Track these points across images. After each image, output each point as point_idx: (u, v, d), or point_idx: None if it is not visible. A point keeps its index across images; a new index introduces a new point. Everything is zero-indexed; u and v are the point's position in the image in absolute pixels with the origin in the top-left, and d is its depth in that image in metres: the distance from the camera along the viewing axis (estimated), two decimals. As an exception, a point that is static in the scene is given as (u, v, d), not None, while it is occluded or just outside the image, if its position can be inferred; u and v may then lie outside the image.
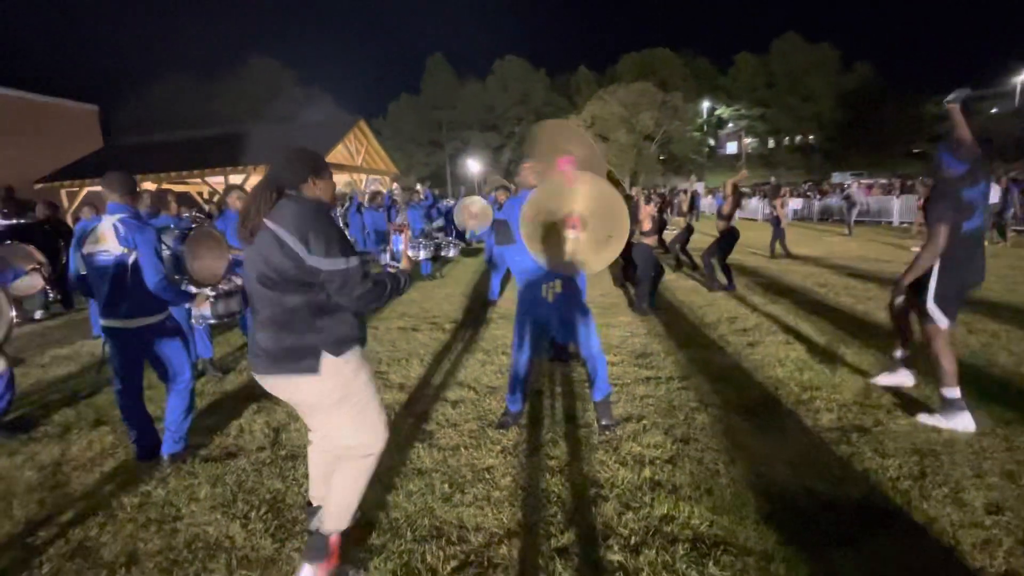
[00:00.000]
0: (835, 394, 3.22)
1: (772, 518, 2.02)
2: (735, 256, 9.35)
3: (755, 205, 22.45)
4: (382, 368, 4.11)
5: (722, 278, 6.62)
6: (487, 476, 2.41)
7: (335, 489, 1.75)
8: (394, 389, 3.62)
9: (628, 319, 5.32)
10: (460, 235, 10.39)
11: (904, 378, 3.27)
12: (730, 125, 55.20)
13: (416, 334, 5.13)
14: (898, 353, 3.31)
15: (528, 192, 2.60)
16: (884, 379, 3.32)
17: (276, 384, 1.66)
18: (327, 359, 1.61)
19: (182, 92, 42.74)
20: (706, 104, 48.91)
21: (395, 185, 15.56)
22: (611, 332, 4.82)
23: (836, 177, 38.09)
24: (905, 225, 15.37)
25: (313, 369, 1.60)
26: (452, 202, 10.99)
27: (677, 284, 7.23)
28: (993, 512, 2.01)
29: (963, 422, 2.67)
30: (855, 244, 11.43)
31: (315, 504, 1.94)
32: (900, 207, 16.01)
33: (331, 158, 15.80)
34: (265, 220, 1.54)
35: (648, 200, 6.26)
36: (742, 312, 5.43)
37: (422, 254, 7.44)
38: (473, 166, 44.57)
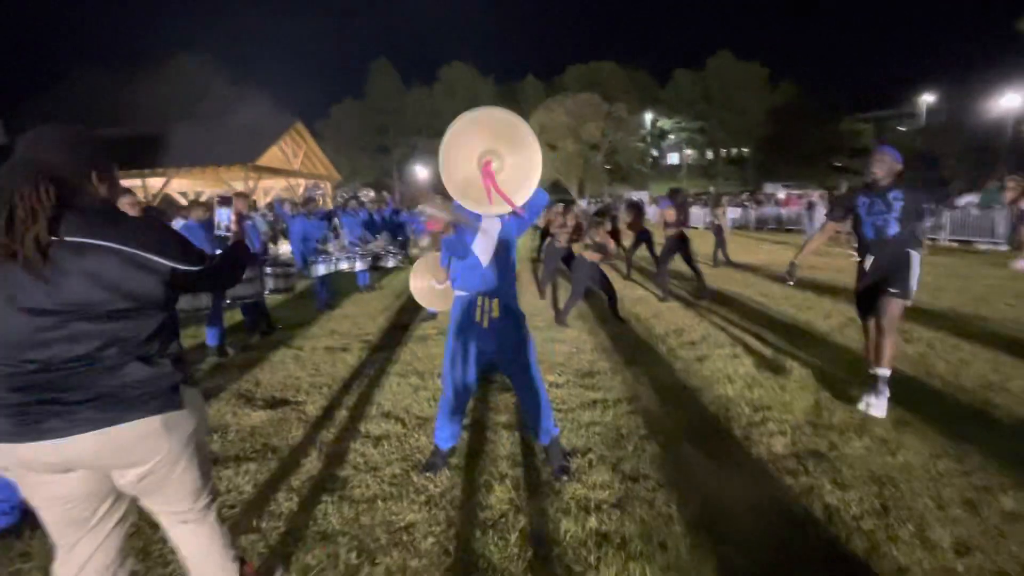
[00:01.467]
0: (786, 414, 3.06)
1: (734, 576, 1.76)
2: (677, 265, 9.45)
3: (696, 213, 23.19)
4: (299, 398, 3.61)
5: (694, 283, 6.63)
6: (405, 538, 2.02)
7: (204, 552, 1.45)
8: (308, 424, 3.14)
9: (575, 333, 5.07)
10: (404, 245, 9.91)
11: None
12: (671, 137, 57.40)
13: (345, 355, 4.64)
14: (882, 370, 3.09)
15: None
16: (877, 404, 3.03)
17: (101, 444, 1.17)
18: (187, 393, 1.32)
19: (99, 88, 39.31)
20: (648, 116, 50.61)
21: (369, 192, 14.68)
22: (556, 348, 4.54)
23: (768, 187, 40.34)
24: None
25: (175, 404, 1.27)
26: (402, 211, 10.45)
27: (624, 294, 7.09)
28: (962, 553, 1.84)
29: (884, 404, 3.00)
30: (789, 252, 11.88)
31: None
32: (822, 217, 16.91)
33: (266, 161, 14.84)
34: (72, 238, 1.12)
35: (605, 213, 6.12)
36: (688, 323, 5.31)
37: (358, 265, 6.90)
38: (420, 172, 43.70)
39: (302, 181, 17.53)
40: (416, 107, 50.48)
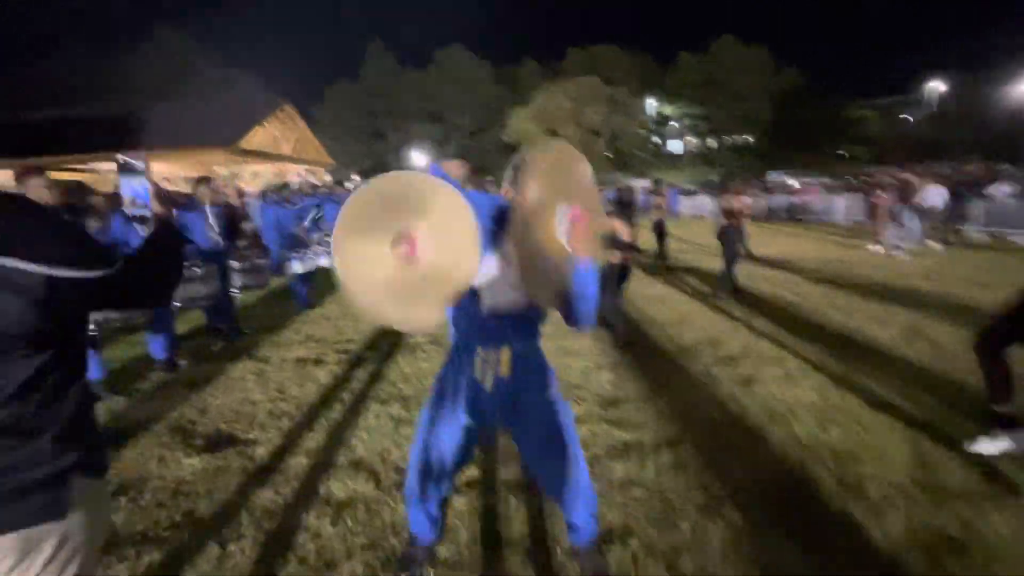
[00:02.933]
0: (883, 469, 2.32)
1: None
2: (696, 259, 8.68)
3: (701, 202, 22.37)
4: (250, 434, 2.85)
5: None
6: None
7: None
8: (253, 478, 2.38)
9: (589, 343, 4.30)
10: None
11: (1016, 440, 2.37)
12: (673, 124, 56.23)
13: (317, 371, 3.88)
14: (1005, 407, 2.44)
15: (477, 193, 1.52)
16: (991, 446, 2.38)
17: None
18: (83, 485, 0.88)
19: (77, 64, 37.79)
20: (651, 101, 49.48)
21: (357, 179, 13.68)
22: (570, 364, 3.78)
23: (771, 176, 39.41)
24: (850, 224, 15.47)
25: (53, 511, 0.83)
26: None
27: (639, 293, 6.32)
28: None
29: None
30: (809, 244, 11.11)
31: None
32: (845, 207, 16.14)
33: (250, 143, 13.94)
34: None
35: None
36: (722, 331, 4.55)
37: (324, 260, 6.00)
38: (417, 158, 42.63)
39: (291, 166, 16.59)
40: (411, 91, 49.15)
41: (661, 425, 2.80)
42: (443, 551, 1.85)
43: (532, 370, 1.58)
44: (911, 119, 50.27)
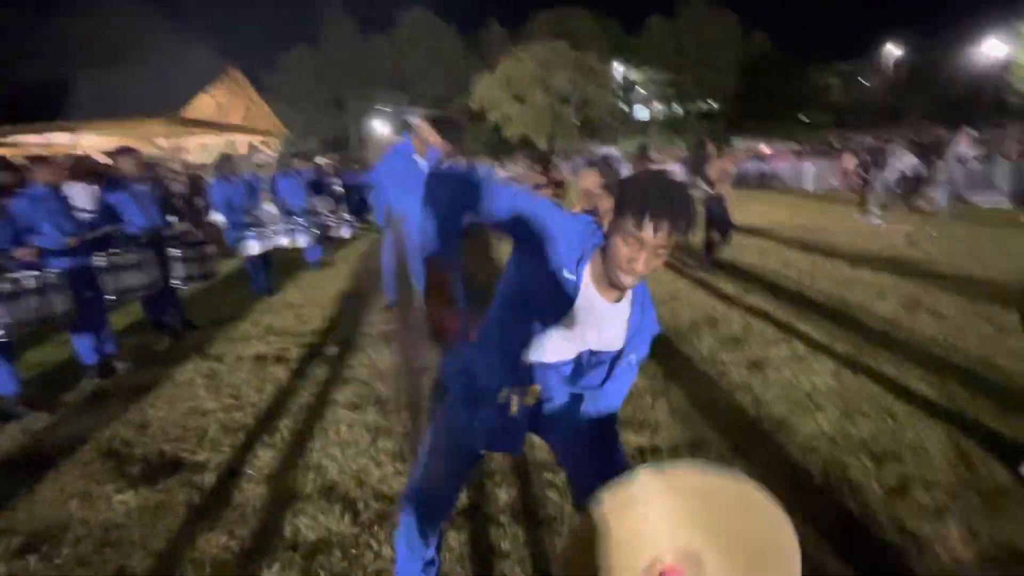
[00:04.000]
0: (926, 468, 2.09)
1: None
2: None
3: (677, 172, 22.21)
4: (198, 455, 2.41)
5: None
6: None
7: None
8: (200, 517, 1.96)
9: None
10: (359, 211, 8.48)
11: None
12: (640, 90, 55.63)
13: (277, 371, 3.42)
14: None
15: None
16: None
17: None
18: None
19: (9, 28, 34.25)
20: (619, 67, 48.67)
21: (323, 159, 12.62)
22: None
23: (737, 142, 39.59)
24: (820, 191, 15.56)
25: None
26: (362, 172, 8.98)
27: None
28: None
29: None
30: (783, 211, 11.04)
31: None
32: (814, 173, 16.20)
33: (194, 112, 12.79)
34: None
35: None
36: (719, 308, 4.30)
37: (301, 240, 5.51)
38: (380, 128, 40.87)
39: (240, 136, 15.41)
40: (374, 58, 46.81)
41: (675, 425, 2.50)
42: (441, 610, 1.51)
43: (590, 405, 1.24)
44: (868, 84, 51.24)
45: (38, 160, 3.37)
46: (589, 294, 1.11)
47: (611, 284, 1.07)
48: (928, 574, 1.59)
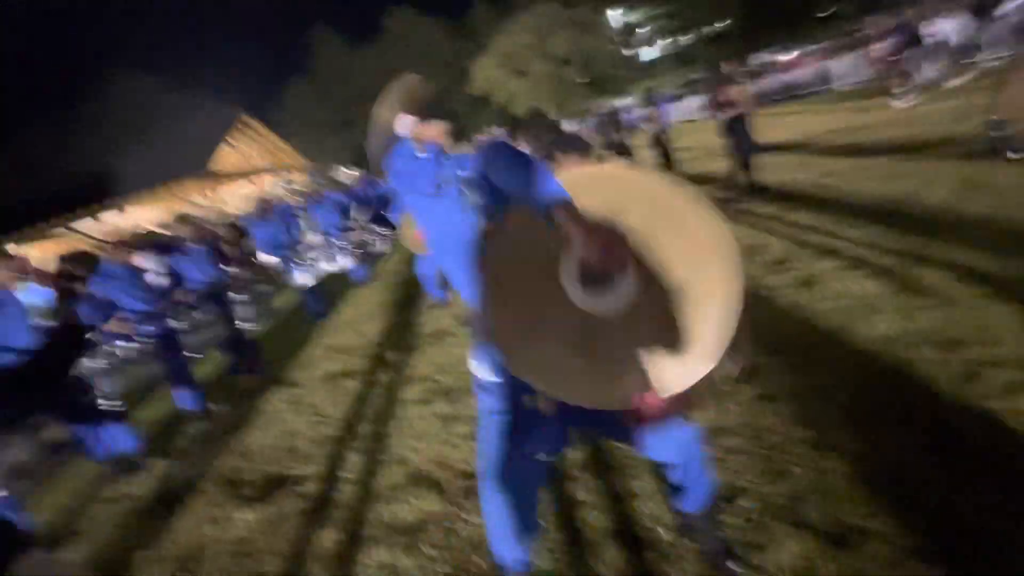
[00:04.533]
0: (997, 348, 2.03)
1: None
2: (704, 164, 8.16)
3: (691, 104, 21.28)
4: (298, 469, 2.68)
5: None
6: None
7: None
8: (312, 521, 2.21)
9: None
10: (388, 221, 8.75)
11: None
12: (639, 31, 53.21)
13: (347, 383, 3.68)
14: None
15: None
16: None
17: None
18: None
19: (34, 131, 37.05)
20: (614, 14, 46.66)
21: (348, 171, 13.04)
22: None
23: (754, 59, 37.15)
24: (855, 87, 14.51)
25: None
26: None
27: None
28: None
29: None
30: (817, 119, 10.40)
31: None
32: (843, 70, 15.10)
33: (219, 164, 13.49)
34: None
35: None
36: (758, 236, 4.20)
37: (345, 262, 5.77)
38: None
39: (269, 177, 16.12)
40: (369, 68, 47.19)
41: (728, 356, 2.53)
42: (537, 561, 1.65)
43: None
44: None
45: (116, 241, 3.75)
46: None
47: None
48: (1007, 451, 1.58)
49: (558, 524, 1.79)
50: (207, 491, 2.74)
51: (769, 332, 2.64)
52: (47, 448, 3.18)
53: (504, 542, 1.47)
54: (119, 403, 3.18)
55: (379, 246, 6.96)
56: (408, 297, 5.65)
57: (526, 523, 1.45)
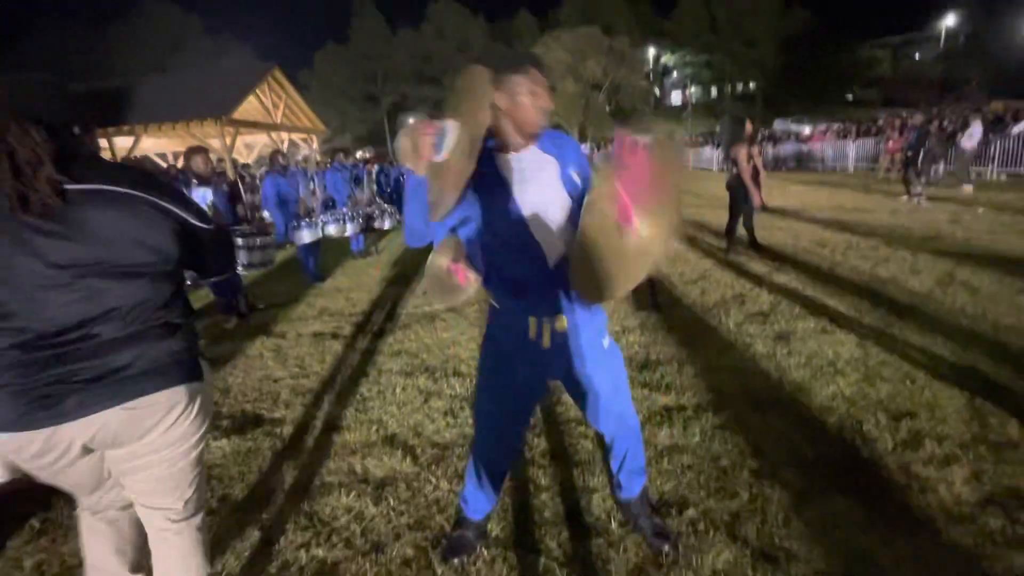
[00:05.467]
0: (940, 424, 2.22)
1: None
2: (708, 214, 8.42)
3: (709, 155, 21.80)
4: (276, 412, 2.78)
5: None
6: None
7: (186, 559, 1.27)
8: (285, 458, 2.31)
9: (611, 304, 4.18)
10: (397, 203, 8.87)
11: None
12: (674, 73, 54.34)
13: (335, 344, 3.79)
14: None
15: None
16: None
17: (118, 422, 1.08)
18: (204, 365, 1.24)
19: (67, 40, 36.62)
20: (652, 51, 47.65)
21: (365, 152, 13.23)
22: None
23: (778, 124, 38.19)
24: (863, 171, 15.06)
25: (197, 376, 1.19)
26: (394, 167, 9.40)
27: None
28: None
29: None
30: (823, 193, 10.80)
31: None
32: (855, 153, 15.66)
33: (244, 114, 13.51)
34: (88, 185, 1.02)
35: None
36: (746, 286, 4.41)
37: (348, 229, 5.92)
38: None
39: (285, 135, 16.12)
40: (404, 50, 47.42)
41: (700, 387, 2.70)
42: (492, 527, 1.79)
43: (590, 324, 1.45)
44: (920, 58, 48.37)
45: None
46: (506, 160, 1.30)
47: (522, 136, 1.28)
48: (931, 514, 1.76)
49: (518, 504, 1.92)
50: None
51: (737, 375, 2.83)
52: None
53: (473, 493, 1.61)
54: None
55: (384, 222, 7.06)
56: (404, 276, 5.77)
57: (500, 464, 1.61)
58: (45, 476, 1.11)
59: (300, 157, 10.74)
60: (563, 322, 1.38)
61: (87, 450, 1.11)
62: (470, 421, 2.50)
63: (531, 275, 1.35)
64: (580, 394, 1.52)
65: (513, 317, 1.41)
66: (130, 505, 1.27)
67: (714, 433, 2.26)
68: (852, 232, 6.26)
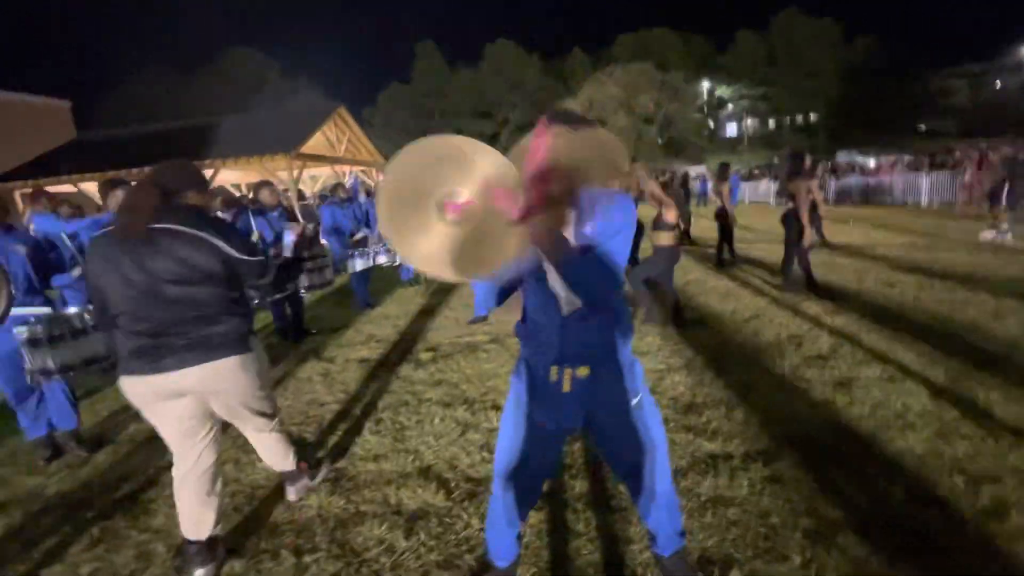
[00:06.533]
0: (1028, 492, 1.97)
1: None
2: (765, 249, 8.09)
3: (765, 188, 21.12)
4: (321, 439, 2.85)
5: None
6: None
7: (273, 451, 2.14)
8: (323, 483, 2.36)
9: (657, 342, 4.06)
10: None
11: None
12: (730, 106, 53.56)
13: (380, 371, 3.88)
14: None
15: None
16: None
17: (208, 375, 1.73)
18: (254, 340, 1.90)
19: (161, 85, 40.98)
20: (706, 84, 47.36)
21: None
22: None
23: (841, 156, 36.54)
24: (937, 206, 14.08)
25: (248, 349, 1.84)
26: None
27: (705, 286, 5.97)
28: None
29: None
30: (892, 229, 10.15)
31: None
32: (929, 186, 14.69)
33: (311, 148, 14.47)
34: (166, 224, 1.65)
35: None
36: (803, 327, 4.17)
37: (399, 258, 6.10)
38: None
39: (347, 168, 17.08)
40: (461, 89, 49.55)
41: (750, 434, 2.55)
42: (523, 573, 1.73)
43: (615, 374, 1.41)
44: (1002, 85, 45.33)
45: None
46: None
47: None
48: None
49: (551, 549, 1.86)
50: (234, 434, 2.94)
51: (792, 422, 2.64)
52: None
53: (496, 539, 1.57)
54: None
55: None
56: (449, 307, 5.87)
57: (524, 503, 1.55)
58: (163, 410, 1.75)
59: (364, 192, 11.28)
60: (585, 370, 1.35)
61: (182, 394, 1.73)
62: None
63: (548, 321, 1.35)
64: (604, 449, 1.48)
65: (535, 358, 1.40)
66: (211, 467, 1.86)
67: (764, 486, 2.11)
68: (925, 272, 5.82)
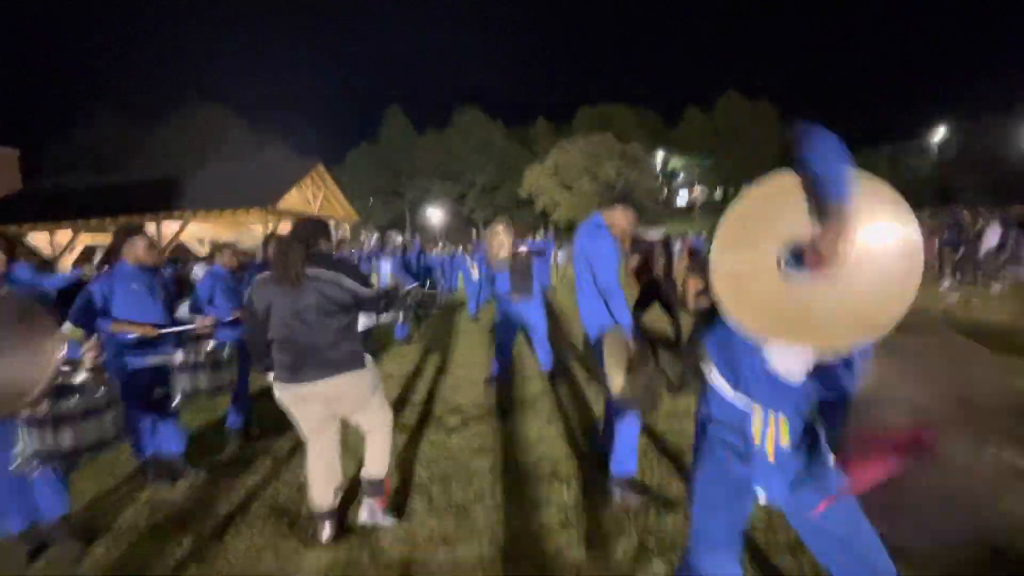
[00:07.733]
0: None
1: None
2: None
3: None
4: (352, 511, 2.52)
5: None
6: None
7: (377, 450, 2.45)
8: (381, 566, 2.04)
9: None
10: (425, 284, 8.93)
11: None
12: (681, 176, 57.40)
13: (400, 436, 3.56)
14: None
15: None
16: None
17: (336, 385, 2.22)
18: (367, 357, 2.37)
19: (118, 136, 39.91)
20: (660, 155, 50.77)
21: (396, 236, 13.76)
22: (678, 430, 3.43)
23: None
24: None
25: (364, 365, 2.32)
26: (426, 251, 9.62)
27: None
28: None
29: None
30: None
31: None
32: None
33: (286, 203, 14.20)
34: (311, 270, 2.17)
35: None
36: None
37: (400, 316, 5.81)
38: (434, 215, 43.82)
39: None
40: (428, 151, 50.91)
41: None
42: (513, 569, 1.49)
43: (813, 442, 1.28)
44: (912, 165, 50.85)
45: (223, 246, 3.87)
46: None
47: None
48: None
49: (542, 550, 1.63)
50: (261, 516, 2.56)
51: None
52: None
53: None
54: (178, 402, 3.08)
55: (430, 308, 7.09)
56: (454, 365, 5.61)
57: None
58: (304, 409, 2.27)
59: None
60: (785, 434, 1.22)
61: (317, 399, 2.24)
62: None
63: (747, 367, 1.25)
64: (805, 531, 1.32)
65: (740, 414, 1.27)
66: (333, 458, 2.41)
67: None
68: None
